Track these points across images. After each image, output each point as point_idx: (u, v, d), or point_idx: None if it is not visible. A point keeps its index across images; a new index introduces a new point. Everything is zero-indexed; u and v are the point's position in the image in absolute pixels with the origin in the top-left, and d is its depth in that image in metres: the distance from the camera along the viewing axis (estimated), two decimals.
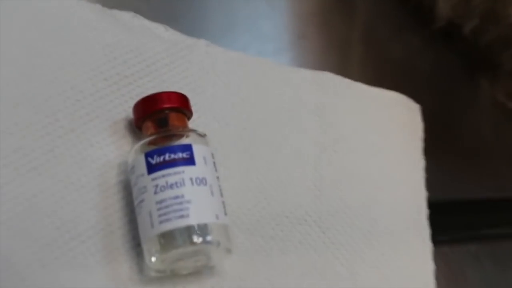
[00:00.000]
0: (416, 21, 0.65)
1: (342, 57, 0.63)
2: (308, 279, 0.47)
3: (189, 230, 0.40)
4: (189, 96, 0.46)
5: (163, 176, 0.41)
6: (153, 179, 0.41)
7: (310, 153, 0.52)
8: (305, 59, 0.61)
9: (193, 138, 0.43)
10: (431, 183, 0.55)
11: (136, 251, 0.43)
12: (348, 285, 0.48)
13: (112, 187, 0.44)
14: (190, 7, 0.57)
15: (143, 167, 0.42)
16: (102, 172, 0.44)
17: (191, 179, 0.41)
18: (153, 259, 0.41)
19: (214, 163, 0.44)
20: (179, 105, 0.45)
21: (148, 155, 0.42)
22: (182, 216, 0.40)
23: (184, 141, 0.43)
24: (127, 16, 0.51)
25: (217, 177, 0.43)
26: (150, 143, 0.43)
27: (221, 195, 0.43)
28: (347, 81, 0.56)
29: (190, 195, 0.41)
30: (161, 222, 0.40)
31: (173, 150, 0.42)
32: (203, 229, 0.40)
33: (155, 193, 0.41)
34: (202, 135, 0.44)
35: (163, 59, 0.50)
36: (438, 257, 0.52)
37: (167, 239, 0.40)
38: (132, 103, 0.46)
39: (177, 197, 0.40)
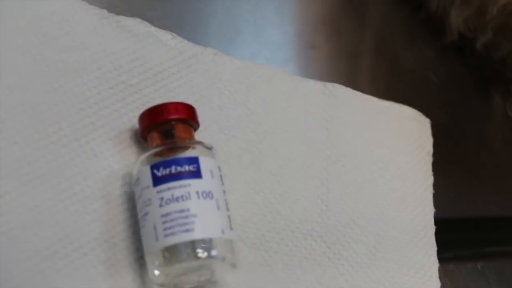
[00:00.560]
0: (429, 32, 0.67)
1: (352, 67, 0.64)
2: None
3: (194, 245, 0.42)
4: (195, 107, 0.47)
5: (169, 189, 0.42)
6: (158, 192, 0.43)
7: (317, 167, 0.53)
8: (314, 69, 0.61)
9: (199, 150, 0.45)
10: (438, 200, 0.57)
11: (139, 264, 0.44)
12: None
13: (116, 198, 0.46)
14: (197, 14, 0.58)
15: (148, 179, 0.43)
16: (106, 183, 0.46)
17: (197, 192, 0.43)
18: (157, 272, 0.42)
19: (220, 176, 0.45)
20: (186, 116, 0.46)
21: (153, 167, 0.43)
22: (187, 230, 0.41)
23: (191, 153, 0.45)
24: (133, 23, 0.52)
25: (224, 191, 0.45)
26: (155, 154, 0.45)
27: (227, 209, 0.44)
28: (357, 93, 0.58)
29: (196, 209, 0.42)
30: (165, 235, 0.41)
31: (179, 162, 0.43)
32: (208, 244, 0.42)
33: (160, 206, 0.42)
34: (209, 148, 0.46)
35: (169, 68, 0.52)
36: (444, 275, 0.54)
37: (171, 253, 0.42)
38: (137, 112, 0.47)
39: (182, 210, 0.42)
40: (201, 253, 0.41)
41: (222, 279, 0.46)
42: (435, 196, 0.57)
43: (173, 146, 0.45)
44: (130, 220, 0.45)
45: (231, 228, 0.44)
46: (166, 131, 0.45)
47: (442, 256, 0.54)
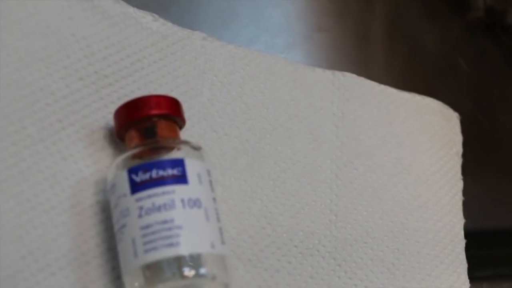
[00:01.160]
0: (451, 7, 0.66)
1: (364, 52, 0.64)
2: None
3: (179, 261, 0.41)
4: (181, 101, 0.47)
5: (149, 196, 0.42)
6: (137, 200, 0.42)
7: (326, 170, 0.53)
8: (320, 55, 0.61)
9: (185, 151, 0.45)
10: (468, 208, 0.56)
11: (116, 286, 0.44)
12: None
13: (88, 209, 0.45)
14: None
15: (125, 186, 0.43)
16: (76, 191, 0.46)
17: (182, 200, 0.42)
18: None
19: (210, 181, 0.45)
20: (170, 111, 0.46)
21: (131, 171, 0.43)
22: (171, 245, 0.41)
23: (175, 154, 0.44)
24: (107, 3, 0.52)
25: (214, 199, 0.44)
26: (134, 156, 0.44)
27: (218, 220, 0.44)
28: (371, 83, 0.58)
29: (181, 219, 0.42)
30: (146, 251, 0.41)
31: (161, 165, 0.43)
32: (196, 260, 0.42)
33: (140, 216, 0.42)
34: (197, 148, 0.45)
35: (150, 55, 0.51)
36: None
37: (153, 271, 0.41)
38: (113, 108, 0.47)
39: (165, 221, 0.42)
40: (188, 271, 0.41)
41: None
42: (465, 204, 0.56)
43: (155, 146, 0.44)
44: (105, 234, 0.45)
45: (223, 242, 0.43)
46: (147, 129, 0.45)
47: (474, 275, 0.54)
